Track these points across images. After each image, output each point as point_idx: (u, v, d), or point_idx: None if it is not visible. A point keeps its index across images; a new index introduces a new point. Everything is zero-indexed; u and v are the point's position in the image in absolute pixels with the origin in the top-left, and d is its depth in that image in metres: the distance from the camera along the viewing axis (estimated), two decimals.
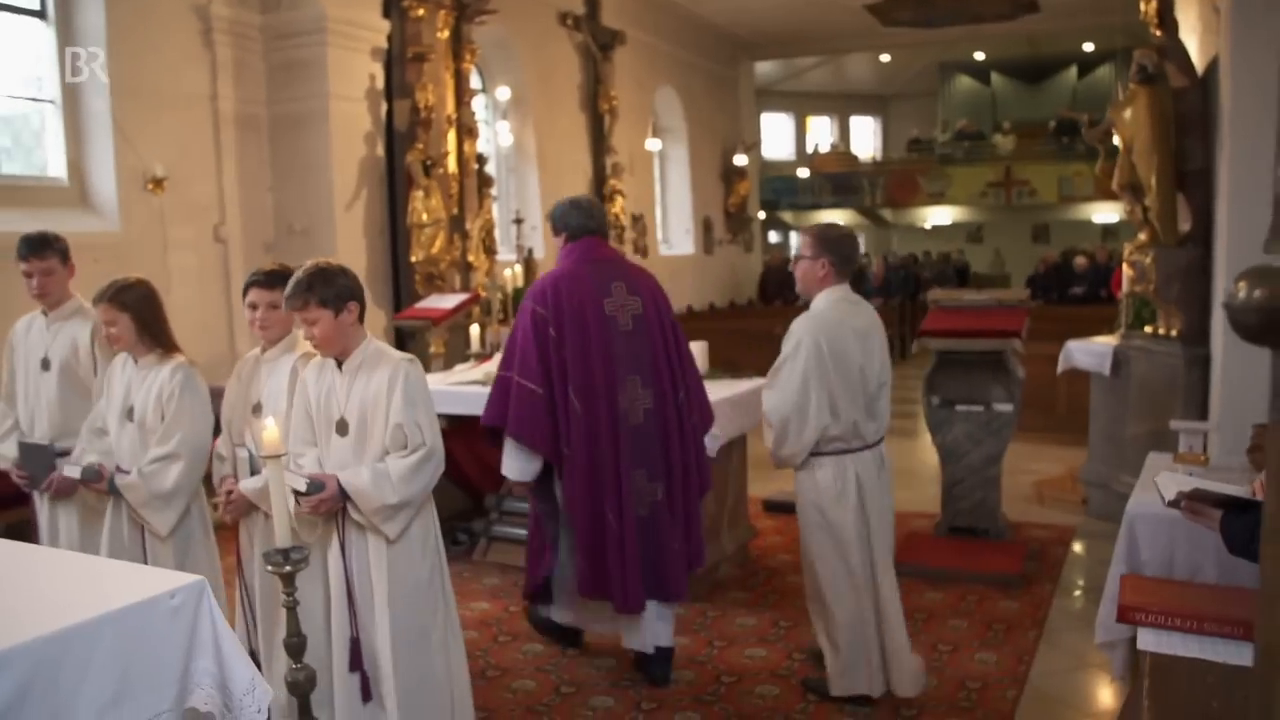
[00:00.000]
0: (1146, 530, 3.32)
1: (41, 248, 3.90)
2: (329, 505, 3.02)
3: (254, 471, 3.38)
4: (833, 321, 3.77)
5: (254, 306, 3.42)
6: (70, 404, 3.91)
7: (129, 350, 3.60)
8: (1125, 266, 6.67)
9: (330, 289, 3.03)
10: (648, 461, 4.00)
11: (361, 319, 3.15)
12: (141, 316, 3.54)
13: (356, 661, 3.09)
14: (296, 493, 2.98)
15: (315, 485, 2.99)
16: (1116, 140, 6.28)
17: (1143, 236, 6.28)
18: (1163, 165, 5.84)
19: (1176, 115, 5.84)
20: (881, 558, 3.86)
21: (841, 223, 23.44)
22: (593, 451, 3.93)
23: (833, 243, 3.85)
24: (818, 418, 3.71)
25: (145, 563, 3.50)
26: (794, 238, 25.81)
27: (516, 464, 4.04)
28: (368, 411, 3.08)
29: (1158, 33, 6.03)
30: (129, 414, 3.56)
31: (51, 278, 3.93)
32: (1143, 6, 6.14)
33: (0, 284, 5.22)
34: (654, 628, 4.17)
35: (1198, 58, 6.13)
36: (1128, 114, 6.03)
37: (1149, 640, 2.51)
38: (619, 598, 3.98)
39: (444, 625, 3.23)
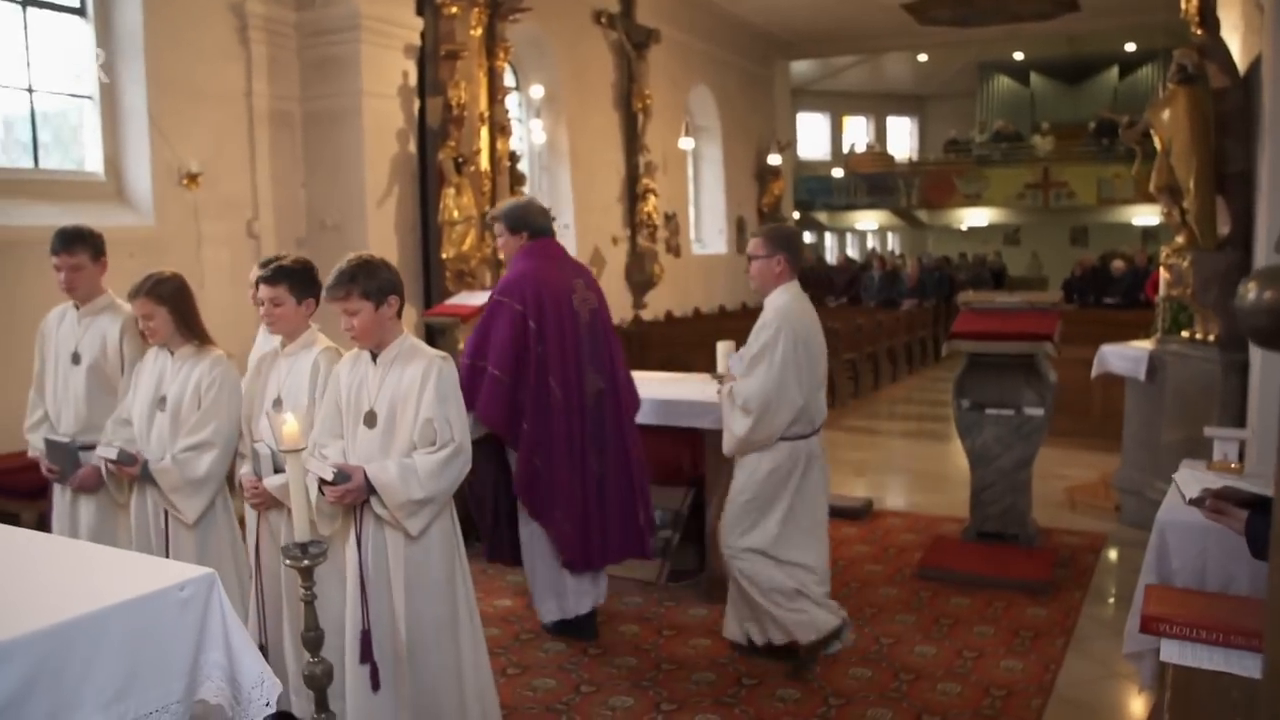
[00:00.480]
0: (1177, 539, 3.23)
1: (71, 242, 3.88)
2: (354, 496, 3.03)
3: (277, 468, 3.40)
4: (799, 313, 4.03)
5: (260, 302, 3.48)
6: (97, 400, 3.91)
7: (166, 343, 3.63)
8: (1162, 270, 6.54)
9: (373, 281, 3.09)
10: (598, 439, 4.46)
11: (400, 314, 3.20)
12: (179, 309, 3.59)
13: (366, 654, 3.10)
14: (323, 481, 2.99)
15: (342, 475, 3.00)
16: (1156, 141, 6.17)
17: (1180, 239, 6.16)
18: (1202, 167, 5.73)
19: (1217, 116, 5.72)
20: (815, 526, 4.15)
21: (876, 224, 23.12)
22: (568, 432, 4.34)
23: (785, 240, 4.13)
24: (794, 402, 3.94)
25: (167, 550, 3.54)
26: (828, 239, 25.66)
27: None
28: (397, 405, 3.10)
29: (1198, 31, 5.91)
30: (161, 404, 3.59)
31: (80, 273, 3.90)
32: (1183, 5, 6.02)
33: (38, 275, 5.29)
34: (582, 595, 4.57)
35: (1240, 57, 6.00)
36: (1166, 115, 5.92)
37: (1172, 652, 2.45)
38: (598, 555, 4.48)
39: (462, 622, 3.23)
